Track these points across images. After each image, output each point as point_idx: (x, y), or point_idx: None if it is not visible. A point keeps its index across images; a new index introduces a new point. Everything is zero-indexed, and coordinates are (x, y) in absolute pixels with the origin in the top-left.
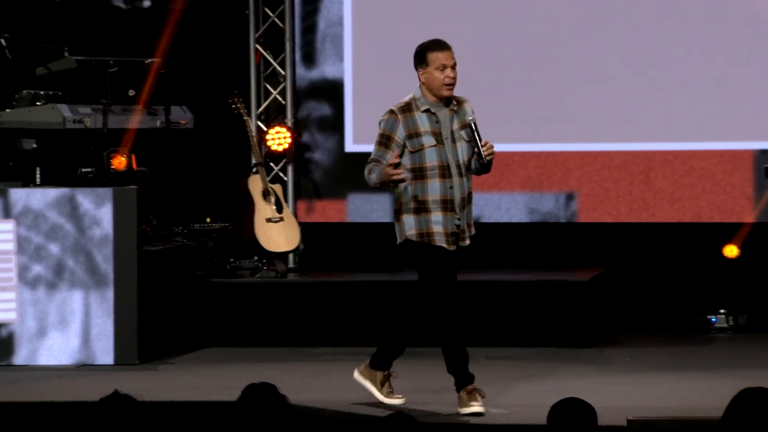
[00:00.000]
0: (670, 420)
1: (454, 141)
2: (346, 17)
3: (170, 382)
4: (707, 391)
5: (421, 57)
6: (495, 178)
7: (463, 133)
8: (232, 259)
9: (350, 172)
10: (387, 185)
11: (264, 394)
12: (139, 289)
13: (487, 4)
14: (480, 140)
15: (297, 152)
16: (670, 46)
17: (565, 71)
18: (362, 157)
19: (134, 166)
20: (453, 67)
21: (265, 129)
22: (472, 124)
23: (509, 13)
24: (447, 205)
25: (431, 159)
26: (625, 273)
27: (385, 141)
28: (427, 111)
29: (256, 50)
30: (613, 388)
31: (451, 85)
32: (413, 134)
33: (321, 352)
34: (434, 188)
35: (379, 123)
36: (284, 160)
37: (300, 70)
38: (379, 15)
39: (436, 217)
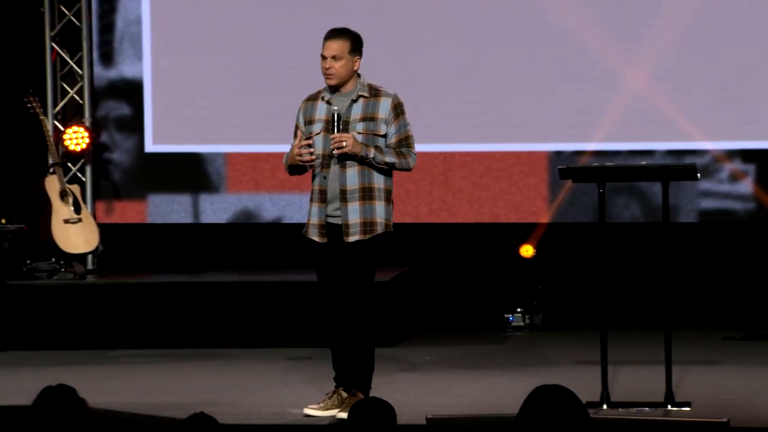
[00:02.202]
0: (468, 418)
1: (347, 132)
2: (145, 16)
3: None
4: (504, 388)
5: None
6: (297, 179)
7: (360, 125)
8: (28, 261)
9: (150, 172)
10: (298, 171)
11: (61, 397)
12: None
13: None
14: (335, 131)
15: (95, 152)
16: (462, 50)
17: (369, 74)
18: (162, 158)
19: None
20: (333, 58)
21: (62, 128)
22: (335, 115)
23: (307, 15)
24: (322, 195)
25: (317, 148)
26: (426, 273)
27: (295, 130)
28: (328, 101)
29: (52, 49)
30: (413, 387)
31: (328, 76)
32: (308, 121)
33: (119, 354)
34: (314, 178)
35: None
36: (82, 160)
37: (98, 70)
38: (178, 14)
39: (314, 208)
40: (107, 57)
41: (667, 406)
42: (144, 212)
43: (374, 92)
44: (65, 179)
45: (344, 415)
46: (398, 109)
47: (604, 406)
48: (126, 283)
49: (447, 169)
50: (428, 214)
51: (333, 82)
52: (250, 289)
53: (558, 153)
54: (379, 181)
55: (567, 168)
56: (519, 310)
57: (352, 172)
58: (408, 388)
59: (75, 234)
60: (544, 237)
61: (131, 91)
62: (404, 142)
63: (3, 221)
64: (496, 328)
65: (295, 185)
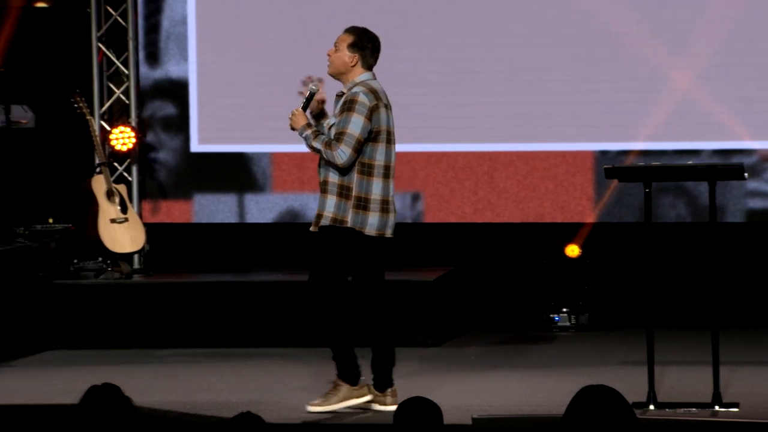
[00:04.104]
0: (514, 418)
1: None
2: (190, 16)
3: (10, 385)
4: (550, 388)
5: None
6: None
7: (326, 121)
8: (75, 261)
9: (196, 172)
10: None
11: (107, 396)
12: None
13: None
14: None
15: (141, 152)
16: (507, 49)
17: (408, 74)
18: (208, 157)
19: None
20: (335, 47)
21: (108, 128)
22: (309, 91)
23: (340, 13)
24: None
25: None
26: (471, 272)
27: None
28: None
29: (99, 49)
30: (459, 387)
31: (329, 65)
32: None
33: (166, 353)
34: None
35: None
36: (128, 160)
37: (144, 70)
38: (224, 14)
39: None
40: (153, 57)
41: (714, 407)
42: (190, 212)
43: (350, 88)
44: (112, 179)
45: (379, 407)
46: (347, 105)
47: (651, 407)
48: (172, 283)
49: (492, 168)
50: (473, 214)
51: (328, 70)
52: (297, 288)
53: (604, 152)
54: (333, 176)
55: (613, 167)
56: (565, 310)
57: (325, 166)
58: (454, 388)
59: (121, 233)
60: (589, 237)
61: (177, 90)
62: (337, 136)
63: (50, 221)
64: (542, 328)
65: None
